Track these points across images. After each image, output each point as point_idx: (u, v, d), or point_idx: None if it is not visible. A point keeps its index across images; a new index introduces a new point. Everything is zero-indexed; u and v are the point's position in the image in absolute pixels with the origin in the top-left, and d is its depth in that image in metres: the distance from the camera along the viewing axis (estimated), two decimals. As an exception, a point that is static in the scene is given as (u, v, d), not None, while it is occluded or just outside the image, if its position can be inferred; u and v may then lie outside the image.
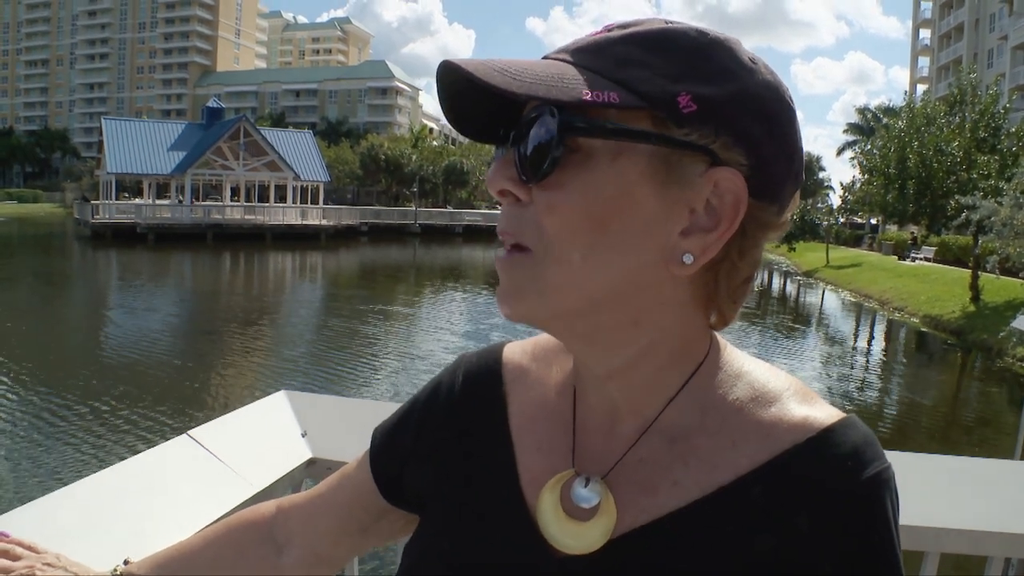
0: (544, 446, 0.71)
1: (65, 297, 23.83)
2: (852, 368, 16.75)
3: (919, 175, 25.75)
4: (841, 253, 42.55)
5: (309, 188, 53.17)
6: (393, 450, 0.81)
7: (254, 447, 1.34)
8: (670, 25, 0.61)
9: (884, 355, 18.92)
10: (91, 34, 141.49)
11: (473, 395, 0.77)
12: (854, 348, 19.60)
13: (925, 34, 72.38)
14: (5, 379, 11.74)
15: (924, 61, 72.22)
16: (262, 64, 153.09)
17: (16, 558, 0.87)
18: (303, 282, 32.06)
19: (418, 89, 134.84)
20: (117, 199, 47.92)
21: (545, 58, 0.63)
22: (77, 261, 36.82)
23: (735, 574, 0.60)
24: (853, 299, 28.77)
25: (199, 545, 0.90)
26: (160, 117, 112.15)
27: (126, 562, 0.91)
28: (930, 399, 14.24)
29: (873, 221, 51.77)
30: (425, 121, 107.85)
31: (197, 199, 50.14)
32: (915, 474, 1.30)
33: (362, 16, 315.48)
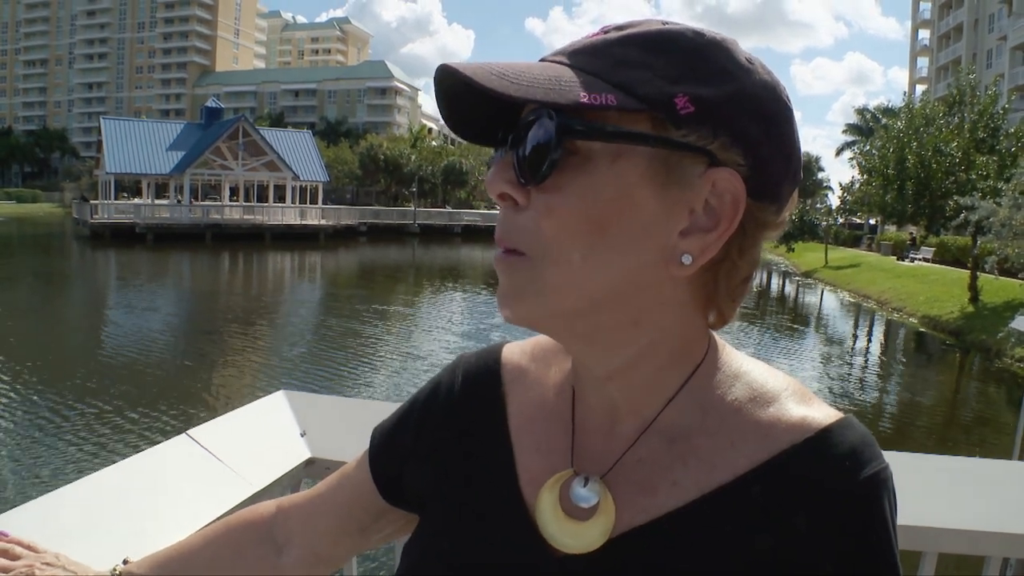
0: (543, 446, 0.71)
1: (64, 297, 23.81)
2: (851, 368, 16.77)
3: (918, 175, 25.76)
4: (840, 253, 42.57)
5: (308, 188, 53.15)
6: (392, 450, 0.81)
7: (253, 447, 1.34)
8: (667, 26, 0.61)
9: (883, 355, 18.93)
10: (90, 34, 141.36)
11: (472, 395, 0.77)
12: (853, 348, 19.62)
13: (924, 35, 72.42)
14: (4, 378, 11.73)
15: (923, 62, 72.27)
16: (261, 64, 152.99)
17: (15, 557, 0.87)
18: (302, 282, 32.05)
19: (417, 89, 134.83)
20: (116, 199, 47.84)
21: (543, 60, 0.63)
22: (76, 261, 36.79)
23: (734, 574, 0.60)
24: (852, 299, 28.79)
25: (198, 545, 0.90)
26: (159, 117, 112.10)
27: (125, 561, 0.91)
28: (929, 399, 14.25)
29: (872, 221, 51.81)
30: (424, 121, 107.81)
31: (196, 199, 50.08)
32: (913, 474, 1.30)
33: (361, 16, 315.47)
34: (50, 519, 1.00)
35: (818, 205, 50.21)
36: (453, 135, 0.68)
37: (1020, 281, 20.50)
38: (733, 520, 0.61)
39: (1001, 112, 25.39)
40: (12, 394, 10.99)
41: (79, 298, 23.88)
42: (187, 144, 49.47)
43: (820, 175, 71.29)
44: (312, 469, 1.34)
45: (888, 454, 0.65)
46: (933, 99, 35.22)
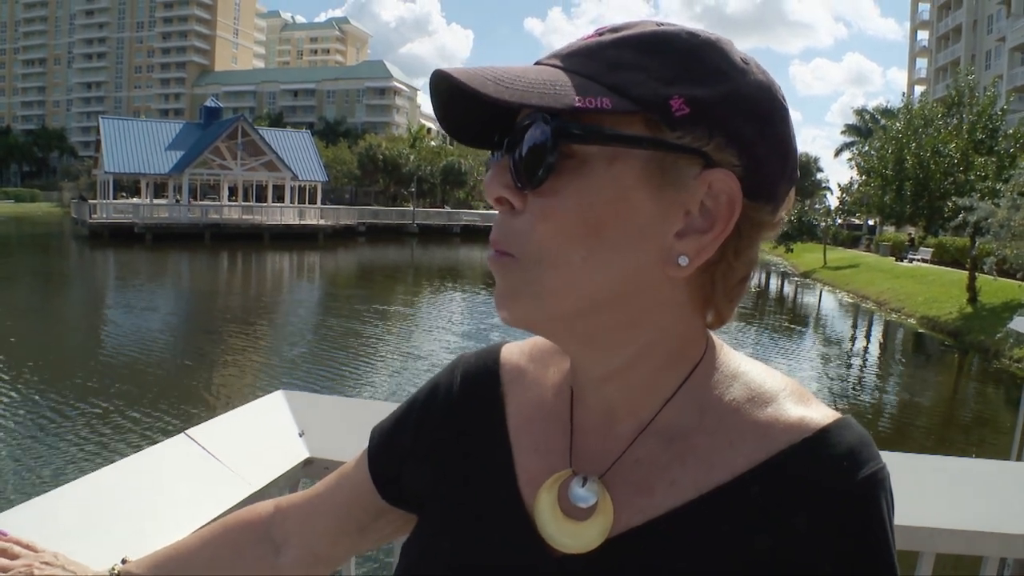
0: (542, 446, 0.71)
1: (63, 297, 23.79)
2: (850, 369, 16.78)
3: (916, 176, 25.77)
4: (838, 254, 42.57)
5: (307, 188, 53.14)
6: (391, 450, 0.81)
7: (251, 446, 1.34)
8: (661, 27, 0.61)
9: (881, 356, 18.94)
10: (89, 33, 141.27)
11: (471, 395, 0.77)
12: (851, 349, 19.63)
13: (923, 35, 72.48)
14: (3, 378, 11.72)
15: (922, 62, 72.31)
16: (260, 64, 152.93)
17: (14, 557, 0.88)
18: (301, 282, 32.03)
19: (416, 89, 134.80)
20: (115, 199, 47.81)
21: (537, 63, 0.63)
22: (74, 261, 36.74)
23: (732, 573, 0.60)
24: (850, 300, 28.79)
25: (197, 544, 0.90)
26: (158, 117, 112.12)
27: (124, 561, 0.91)
28: (927, 400, 14.26)
29: (871, 222, 51.81)
30: (423, 121, 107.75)
31: (195, 199, 50.06)
32: (911, 474, 1.30)
33: (360, 16, 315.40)
34: (49, 518, 1.00)
35: (817, 206, 50.28)
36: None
37: (1018, 282, 20.49)
38: (731, 520, 0.61)
39: (1000, 113, 25.40)
40: (11, 394, 10.97)
41: (78, 298, 23.86)
42: (186, 144, 49.44)
43: (819, 176, 71.54)
44: (311, 469, 1.34)
45: (885, 454, 0.65)
46: (932, 100, 35.26)
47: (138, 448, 1.30)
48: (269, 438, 1.37)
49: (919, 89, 65.64)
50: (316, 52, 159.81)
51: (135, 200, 50.93)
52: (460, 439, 0.76)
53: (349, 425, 1.34)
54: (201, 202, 50.24)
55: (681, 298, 0.63)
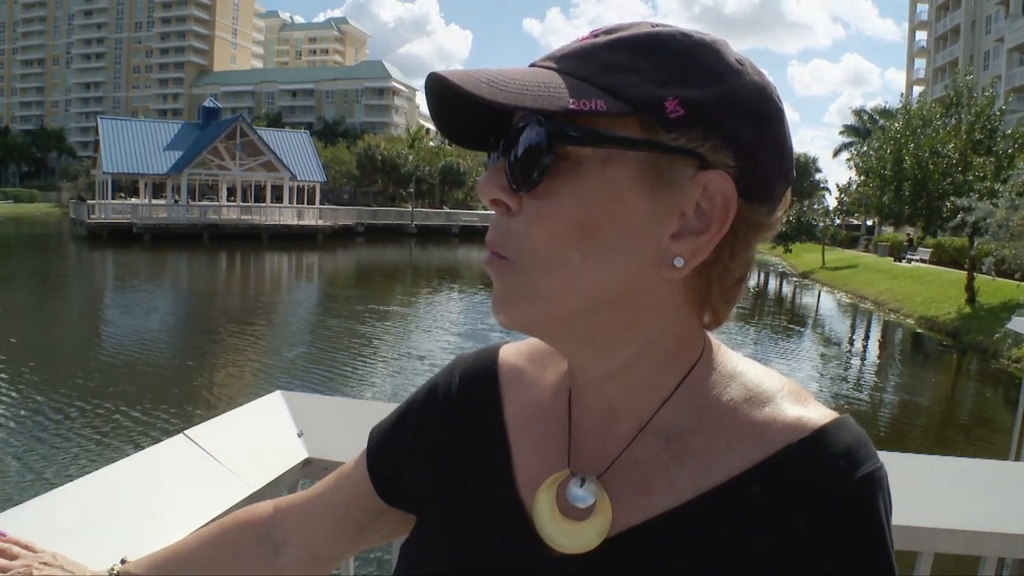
0: (540, 447, 0.71)
1: (62, 297, 23.78)
2: (848, 369, 16.78)
3: (915, 177, 25.79)
4: (837, 254, 42.60)
5: (305, 188, 53.10)
6: (390, 451, 0.81)
7: (250, 447, 1.34)
8: (656, 29, 0.61)
9: (880, 356, 18.94)
10: (87, 34, 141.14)
11: (470, 396, 0.78)
12: (850, 349, 19.65)
13: (921, 36, 72.52)
14: (1, 378, 11.72)
15: (920, 63, 72.35)
16: (259, 64, 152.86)
17: (13, 557, 0.88)
18: (300, 282, 32.03)
19: (415, 89, 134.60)
20: (113, 199, 47.76)
21: (532, 65, 0.63)
22: (73, 261, 36.71)
23: (731, 573, 0.60)
24: (849, 300, 28.80)
25: (196, 545, 0.90)
26: (156, 117, 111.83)
27: (123, 561, 0.91)
28: (926, 400, 14.26)
29: (869, 223, 51.85)
30: (422, 121, 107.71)
31: (193, 199, 50.06)
32: (909, 474, 1.31)
33: (359, 16, 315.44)
34: (48, 519, 1.00)
35: (815, 206, 50.42)
36: (448, 138, 0.69)
37: (1017, 282, 20.48)
38: (729, 520, 0.61)
39: (998, 113, 25.41)
40: (9, 394, 10.97)
41: (77, 298, 23.83)
42: (184, 144, 49.40)
43: (817, 176, 71.58)
44: (309, 469, 1.34)
45: (884, 454, 0.65)
46: (930, 100, 35.34)
47: (137, 448, 1.30)
48: (268, 438, 1.37)
49: (917, 89, 65.74)
50: (315, 52, 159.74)
51: (134, 200, 50.89)
52: (459, 439, 0.76)
53: (348, 425, 1.34)
54: (199, 202, 50.25)
55: (677, 299, 0.63)
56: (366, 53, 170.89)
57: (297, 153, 52.82)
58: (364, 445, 0.84)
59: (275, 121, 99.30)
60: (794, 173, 0.64)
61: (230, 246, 40.61)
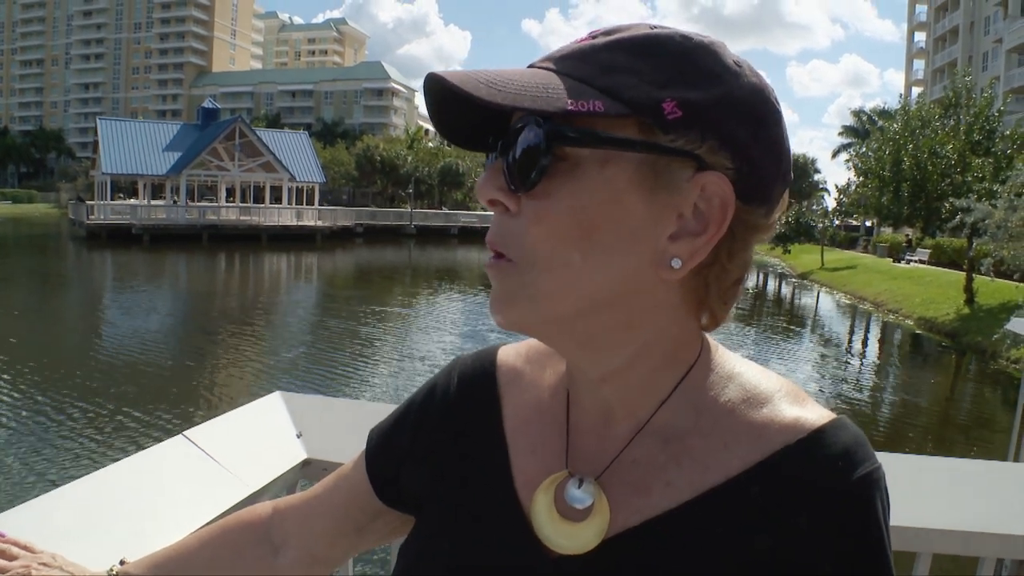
0: (538, 448, 0.71)
1: (61, 298, 23.75)
2: (847, 370, 16.77)
3: (914, 177, 25.82)
4: (836, 255, 42.61)
5: (304, 189, 53.09)
6: (389, 452, 0.81)
7: (249, 448, 1.34)
8: (655, 31, 0.61)
9: (879, 357, 18.95)
10: (86, 34, 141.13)
11: (468, 397, 0.78)
12: (849, 350, 19.64)
13: (920, 37, 72.53)
14: (1, 378, 11.71)
15: (919, 64, 72.36)
16: (258, 65, 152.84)
17: (12, 558, 0.88)
18: (298, 283, 32.01)
19: (414, 90, 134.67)
20: (112, 200, 47.75)
21: (531, 66, 0.63)
22: (72, 262, 36.68)
23: (728, 574, 0.60)
24: (848, 301, 28.80)
25: (195, 546, 0.90)
26: (155, 117, 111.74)
27: (122, 562, 0.91)
28: (925, 401, 14.27)
29: (868, 223, 51.90)
30: (421, 122, 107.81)
31: (192, 200, 50.04)
32: (908, 475, 1.31)
33: (358, 17, 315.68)
34: (47, 519, 1.00)
35: (814, 207, 50.37)
36: (447, 138, 0.69)
37: (1015, 283, 20.50)
38: (727, 521, 0.61)
39: (997, 114, 25.45)
40: (8, 395, 10.96)
41: (76, 299, 23.82)
42: (183, 145, 49.39)
43: (816, 177, 71.64)
44: (308, 470, 1.34)
45: (882, 455, 0.65)
46: (929, 101, 35.32)
47: (136, 449, 1.30)
48: (267, 439, 1.37)
49: (916, 90, 65.73)
50: (314, 53, 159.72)
51: (132, 201, 50.89)
52: (457, 441, 0.76)
53: (347, 426, 1.34)
54: (198, 203, 50.23)
55: (675, 300, 0.63)
56: (365, 54, 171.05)
57: (296, 154, 52.81)
58: (363, 446, 0.84)
59: (274, 122, 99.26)
60: (792, 175, 0.65)
61: (229, 247, 40.60)
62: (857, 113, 66.86)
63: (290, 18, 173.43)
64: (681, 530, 0.62)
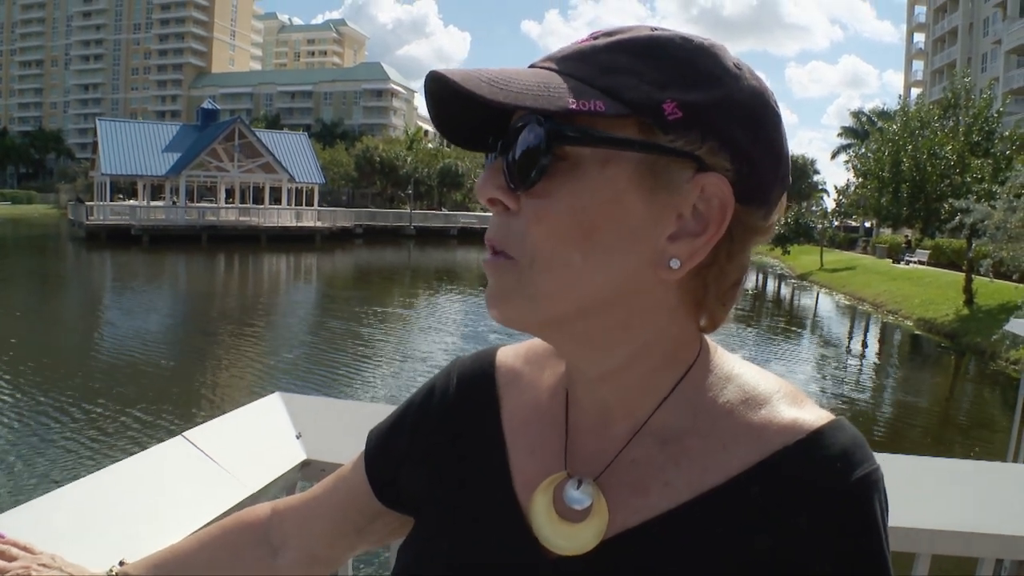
0: (537, 448, 0.72)
1: (60, 298, 23.73)
2: (847, 371, 16.78)
3: (913, 178, 25.85)
4: (835, 256, 42.59)
5: (304, 190, 53.07)
6: (388, 453, 0.81)
7: (249, 449, 1.34)
8: (656, 32, 0.61)
9: (878, 358, 18.95)
10: (86, 35, 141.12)
11: (467, 398, 0.78)
12: (848, 351, 19.64)
13: (919, 38, 72.58)
14: (1, 379, 11.70)
15: (918, 65, 72.43)
16: (257, 66, 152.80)
17: (12, 559, 0.88)
18: (298, 284, 32.02)
19: (413, 91, 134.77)
20: (111, 200, 47.74)
21: (532, 66, 0.63)
22: (72, 262, 36.67)
23: (727, 574, 0.60)
24: (847, 302, 28.79)
25: (194, 547, 0.90)
26: (155, 118, 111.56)
27: (121, 563, 0.91)
28: (924, 401, 14.28)
29: (867, 224, 51.90)
30: (420, 123, 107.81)
31: (191, 201, 50.02)
32: (907, 476, 1.31)
33: (357, 18, 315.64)
34: (46, 520, 1.00)
35: (813, 208, 50.46)
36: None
37: (1015, 284, 20.52)
38: (726, 522, 0.61)
39: (996, 115, 25.50)
40: (8, 395, 10.95)
41: (75, 300, 23.80)
42: (183, 146, 49.36)
43: (815, 178, 71.59)
44: (308, 471, 1.34)
45: (881, 456, 0.65)
46: (928, 102, 35.37)
47: (136, 450, 1.30)
48: (266, 440, 1.37)
49: (915, 91, 65.79)
50: (313, 54, 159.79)
51: (132, 202, 50.88)
52: (456, 442, 0.76)
53: (346, 427, 1.34)
54: (198, 204, 50.22)
55: (674, 301, 0.63)
56: (364, 55, 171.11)
57: (295, 155, 52.79)
58: (362, 447, 0.84)
59: (273, 123, 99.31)
60: (790, 178, 0.65)
61: (228, 247, 40.58)
62: (856, 114, 66.80)
63: (289, 19, 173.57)
64: (680, 531, 0.62)
